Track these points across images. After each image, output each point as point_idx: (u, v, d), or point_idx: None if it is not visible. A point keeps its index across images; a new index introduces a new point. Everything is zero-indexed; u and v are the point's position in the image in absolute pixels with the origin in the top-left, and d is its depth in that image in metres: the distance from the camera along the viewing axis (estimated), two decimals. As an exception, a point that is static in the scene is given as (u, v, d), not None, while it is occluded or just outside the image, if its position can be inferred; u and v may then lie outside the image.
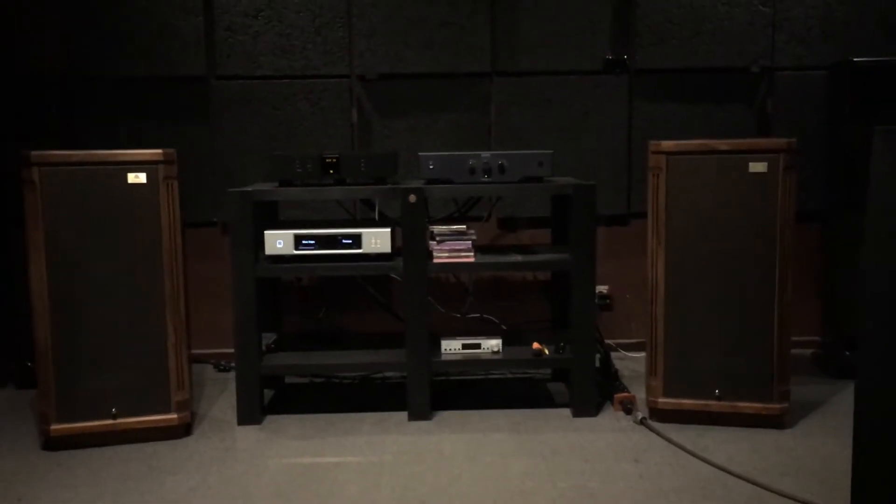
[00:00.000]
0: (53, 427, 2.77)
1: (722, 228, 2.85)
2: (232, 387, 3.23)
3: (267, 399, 3.28)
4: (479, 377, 3.54)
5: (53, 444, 2.80)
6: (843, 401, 3.16)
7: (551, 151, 3.06)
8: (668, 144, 2.86)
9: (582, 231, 3.00)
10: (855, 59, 3.44)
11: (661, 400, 2.95)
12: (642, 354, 3.68)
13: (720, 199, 2.84)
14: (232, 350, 3.04)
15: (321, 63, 3.68)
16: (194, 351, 3.62)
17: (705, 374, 2.90)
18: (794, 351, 2.92)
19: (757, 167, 2.81)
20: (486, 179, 3.02)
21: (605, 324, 3.79)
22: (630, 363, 3.72)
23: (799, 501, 2.35)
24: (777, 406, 2.86)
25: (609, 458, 2.68)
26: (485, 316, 3.74)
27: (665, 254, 2.89)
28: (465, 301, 3.72)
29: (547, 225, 3.66)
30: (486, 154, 3.02)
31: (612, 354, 3.56)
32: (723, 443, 2.77)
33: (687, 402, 2.92)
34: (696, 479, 2.51)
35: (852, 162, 3.40)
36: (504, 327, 3.67)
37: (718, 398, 2.89)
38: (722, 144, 2.84)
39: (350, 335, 3.60)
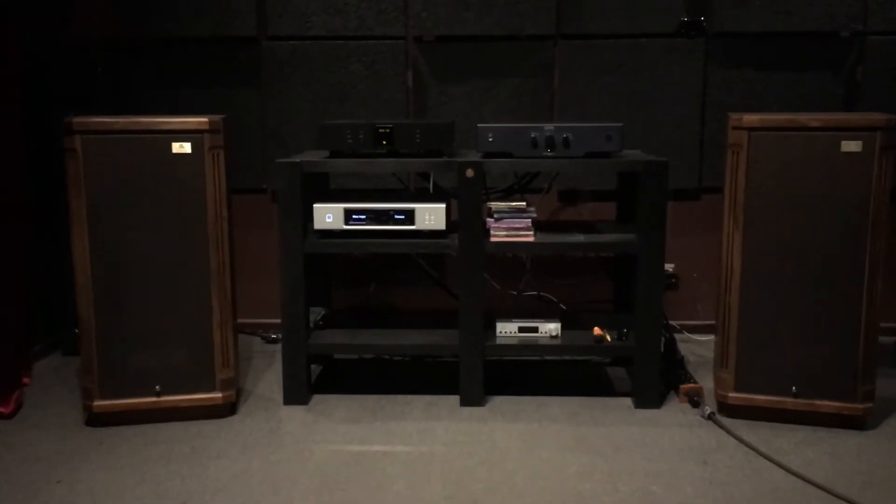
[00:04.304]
0: (96, 403, 2.71)
1: (807, 212, 2.61)
2: (280, 360, 3.11)
3: (314, 375, 3.18)
4: (534, 359, 3.38)
5: (96, 420, 2.73)
6: (931, 399, 2.93)
7: (620, 124, 2.84)
8: (750, 119, 2.62)
9: (652, 211, 2.78)
10: (960, 24, 3.12)
11: (731, 394, 2.75)
12: (708, 338, 3.49)
13: (807, 180, 2.59)
14: (281, 320, 2.93)
15: (376, 23, 3.49)
16: (243, 320, 3.51)
17: (782, 368, 2.69)
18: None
19: (850, 146, 2.55)
20: (549, 154, 2.82)
21: (670, 304, 3.57)
22: (695, 347, 3.52)
23: (886, 518, 2.16)
24: (860, 406, 2.64)
25: (674, 457, 2.50)
26: (542, 294, 3.57)
27: (742, 238, 2.67)
28: (521, 278, 3.55)
29: (611, 198, 3.44)
30: (549, 127, 2.81)
31: (677, 337, 3.35)
32: (800, 445, 2.57)
33: (760, 399, 2.72)
34: (770, 487, 2.32)
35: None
36: (563, 307, 3.49)
37: (795, 395, 2.68)
38: (812, 120, 2.58)
39: (401, 311, 3.47)
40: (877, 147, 2.53)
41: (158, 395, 2.73)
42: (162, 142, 2.64)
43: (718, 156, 3.41)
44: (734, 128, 2.65)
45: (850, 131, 2.55)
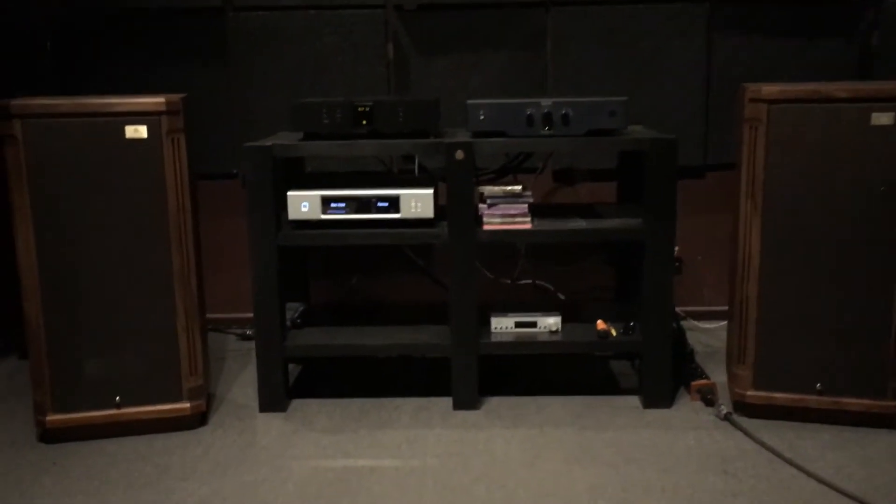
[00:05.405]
0: (49, 418, 2.43)
1: (833, 192, 2.36)
2: (255, 359, 2.85)
3: (293, 376, 2.92)
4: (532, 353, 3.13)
5: (50, 436, 2.46)
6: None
7: (625, 98, 2.57)
8: (770, 90, 2.36)
9: (660, 194, 2.53)
10: None
11: (749, 393, 2.52)
12: (716, 325, 3.27)
13: (833, 157, 2.35)
14: (253, 321, 2.66)
15: (352, -9, 3.20)
16: (215, 316, 3.25)
17: (805, 364, 2.46)
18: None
19: (881, 119, 2.30)
20: (547, 132, 2.55)
21: (674, 289, 3.33)
22: (701, 335, 3.28)
23: (933, 535, 1.94)
24: (892, 403, 2.41)
25: (692, 466, 2.27)
26: (538, 282, 3.32)
27: (762, 222, 2.42)
28: (516, 265, 3.29)
29: (611, 178, 3.18)
30: (546, 102, 2.54)
31: (683, 325, 3.11)
32: (827, 448, 2.34)
33: (781, 397, 2.49)
34: (800, 499, 2.09)
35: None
36: (561, 297, 3.24)
37: (819, 392, 2.45)
38: (838, 90, 2.33)
39: (387, 304, 3.20)
40: (911, 119, 2.29)
41: (118, 406, 2.46)
42: (114, 125, 2.35)
43: (724, 130, 3.16)
44: (752, 100, 2.39)
45: (882, 102, 2.30)
